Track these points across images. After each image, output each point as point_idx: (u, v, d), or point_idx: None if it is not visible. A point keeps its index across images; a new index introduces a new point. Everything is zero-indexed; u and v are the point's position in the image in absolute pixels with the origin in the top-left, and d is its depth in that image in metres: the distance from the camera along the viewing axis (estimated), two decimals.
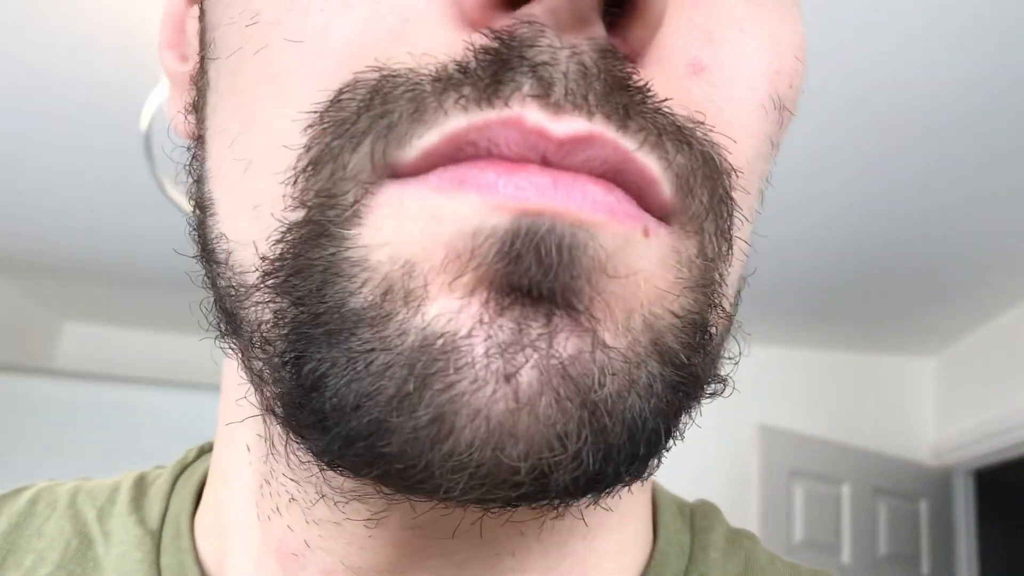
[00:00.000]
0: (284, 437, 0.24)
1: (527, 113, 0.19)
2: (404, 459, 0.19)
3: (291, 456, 0.24)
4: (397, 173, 0.19)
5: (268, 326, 0.21)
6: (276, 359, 0.20)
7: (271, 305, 0.20)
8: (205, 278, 0.25)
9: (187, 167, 0.27)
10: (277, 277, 0.20)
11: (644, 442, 0.20)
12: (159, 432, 2.28)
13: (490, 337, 0.18)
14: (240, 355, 0.23)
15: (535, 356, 0.19)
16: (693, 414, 0.22)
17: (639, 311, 0.20)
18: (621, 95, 0.19)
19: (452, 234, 0.19)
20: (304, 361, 0.20)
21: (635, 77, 0.20)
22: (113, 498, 0.34)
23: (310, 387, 0.20)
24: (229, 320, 0.23)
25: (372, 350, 0.19)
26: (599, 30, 0.19)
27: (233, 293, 0.22)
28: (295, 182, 0.20)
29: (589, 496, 0.21)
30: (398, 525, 0.24)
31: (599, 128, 0.19)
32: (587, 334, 0.19)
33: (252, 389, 0.23)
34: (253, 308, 0.21)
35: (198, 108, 0.26)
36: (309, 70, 0.21)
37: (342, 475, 0.22)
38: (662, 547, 0.30)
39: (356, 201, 0.19)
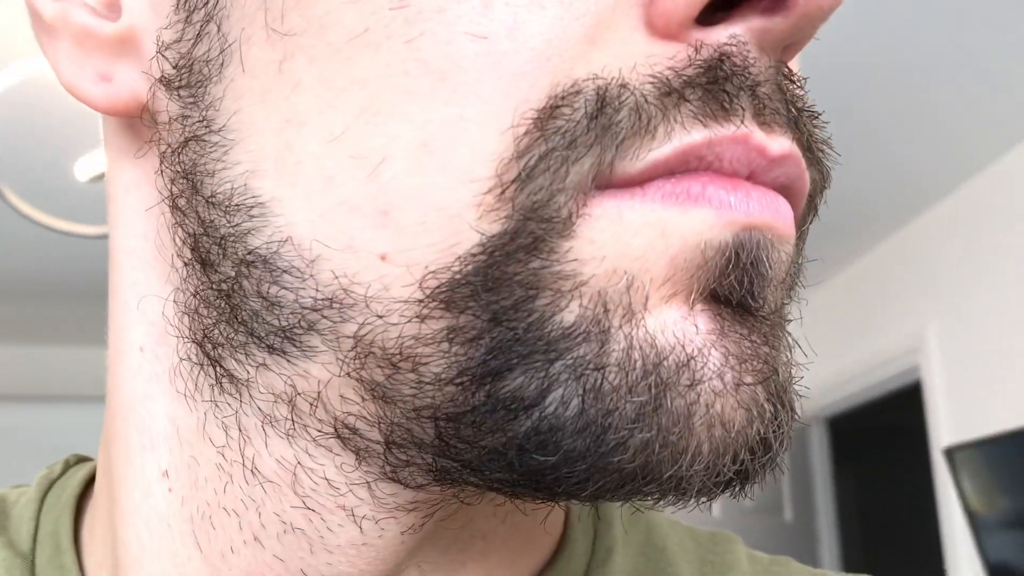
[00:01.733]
0: (354, 458, 0.22)
1: (753, 131, 0.19)
2: (639, 474, 0.19)
3: (340, 476, 0.22)
4: (612, 184, 0.19)
5: (427, 342, 0.19)
6: (443, 378, 0.19)
7: (438, 321, 0.19)
8: (208, 283, 0.22)
9: (165, 155, 0.23)
10: (459, 291, 0.19)
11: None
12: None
13: (722, 349, 0.19)
14: (280, 368, 0.21)
15: (758, 365, 0.20)
16: None
17: (782, 314, 0.22)
18: (800, 114, 0.21)
19: (679, 248, 0.19)
20: (502, 380, 0.19)
21: (807, 97, 0.21)
22: None
23: (510, 407, 0.19)
24: (280, 333, 0.21)
25: (600, 367, 0.18)
26: (779, 50, 0.20)
27: (319, 305, 0.20)
28: (502, 192, 0.19)
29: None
30: (433, 523, 0.24)
31: (795, 147, 0.20)
32: (779, 340, 0.21)
33: (273, 401, 0.22)
34: (377, 322, 0.19)
35: (193, 84, 0.22)
36: (498, 70, 0.19)
37: (473, 487, 0.21)
38: (573, 521, 0.30)
39: (571, 214, 0.19)
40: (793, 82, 0.21)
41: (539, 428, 0.19)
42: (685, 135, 0.19)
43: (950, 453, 1.85)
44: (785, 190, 0.21)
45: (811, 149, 0.21)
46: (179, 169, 0.23)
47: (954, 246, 2.54)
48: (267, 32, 0.21)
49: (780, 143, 0.20)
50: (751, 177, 0.20)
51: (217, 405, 0.23)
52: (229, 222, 0.21)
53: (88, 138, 1.54)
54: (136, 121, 0.25)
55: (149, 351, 0.25)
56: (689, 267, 0.19)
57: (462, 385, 0.19)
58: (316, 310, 0.20)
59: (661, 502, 0.20)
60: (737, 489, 0.21)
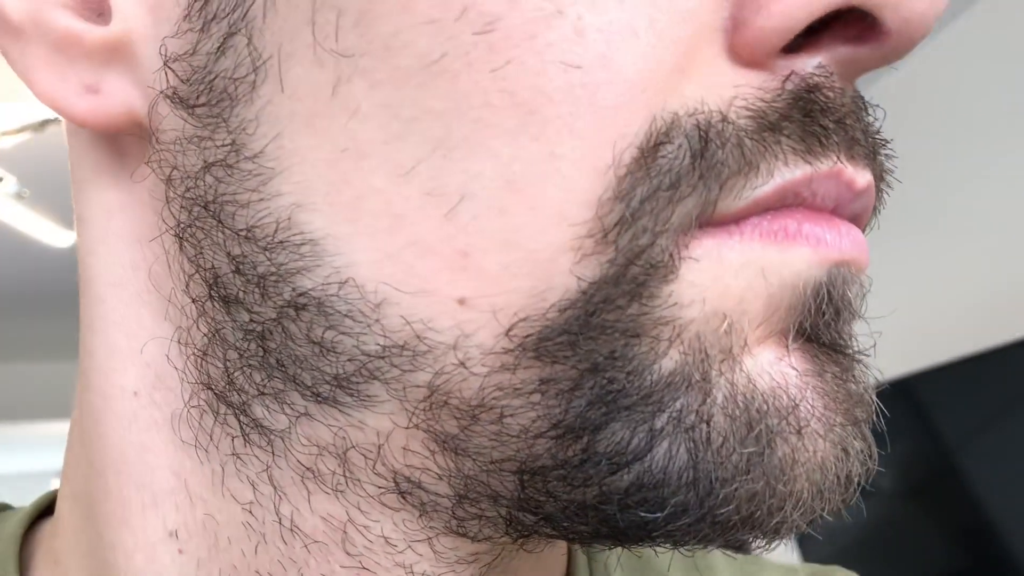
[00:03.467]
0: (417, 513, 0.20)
1: (844, 167, 0.19)
2: (741, 524, 0.18)
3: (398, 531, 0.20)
4: (711, 222, 0.18)
5: (514, 394, 0.18)
6: (531, 431, 0.18)
7: (527, 371, 0.18)
8: (233, 324, 0.20)
9: (173, 180, 0.20)
10: (554, 341, 0.17)
11: None
12: None
13: (820, 391, 0.18)
14: (329, 419, 0.20)
15: (851, 404, 0.19)
16: None
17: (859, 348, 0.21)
18: (876, 145, 0.20)
19: (776, 287, 0.18)
20: (601, 433, 0.18)
21: (878, 126, 0.21)
22: None
23: (610, 461, 0.18)
24: (334, 381, 0.19)
25: (706, 418, 0.17)
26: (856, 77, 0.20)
27: (386, 352, 0.18)
28: (604, 236, 0.17)
29: None
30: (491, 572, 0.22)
31: (873, 180, 0.20)
32: (865, 377, 0.20)
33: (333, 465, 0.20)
34: (455, 371, 0.18)
35: (214, 102, 0.20)
36: (593, 103, 0.17)
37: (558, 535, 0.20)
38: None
39: (673, 257, 0.17)
40: (868, 111, 0.20)
41: (643, 483, 0.18)
42: (787, 171, 0.18)
43: None
44: (857, 220, 0.20)
45: (882, 178, 0.21)
46: (194, 196, 0.20)
47: None
48: (314, 50, 0.19)
49: (864, 176, 0.19)
50: (835, 210, 0.19)
51: (240, 458, 0.21)
52: (270, 259, 0.19)
53: None
54: (123, 137, 0.22)
55: (145, 396, 0.22)
56: (785, 307, 0.18)
57: (555, 438, 0.18)
58: (382, 357, 0.18)
59: (747, 546, 0.20)
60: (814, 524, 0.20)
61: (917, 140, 1.85)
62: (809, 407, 0.18)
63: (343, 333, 0.18)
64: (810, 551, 1.92)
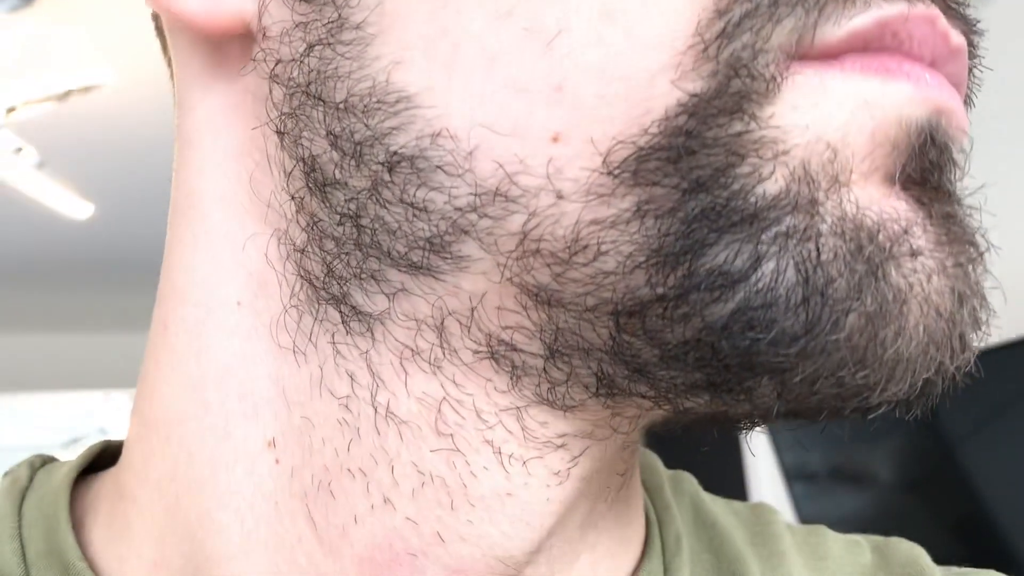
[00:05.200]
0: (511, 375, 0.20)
1: (939, 17, 0.19)
2: (851, 360, 0.18)
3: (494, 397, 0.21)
4: (809, 54, 0.18)
5: (610, 224, 0.18)
6: (629, 263, 0.18)
7: (624, 199, 0.18)
8: (329, 209, 0.20)
9: (276, 73, 0.21)
10: (654, 159, 0.18)
11: None
12: None
13: (932, 230, 0.18)
14: (425, 288, 0.20)
15: (964, 247, 0.19)
16: None
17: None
18: (966, 15, 0.20)
19: (879, 121, 0.18)
20: (703, 256, 0.17)
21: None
22: None
23: (713, 286, 0.17)
24: (427, 245, 0.19)
25: (813, 236, 0.17)
26: None
27: (476, 203, 0.19)
28: (704, 50, 0.18)
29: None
30: (576, 478, 0.22)
31: (966, 45, 0.20)
32: (975, 230, 0.20)
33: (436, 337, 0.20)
34: (548, 211, 0.18)
35: None
36: None
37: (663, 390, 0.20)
38: (652, 519, 0.29)
39: (774, 77, 0.18)
40: None
41: (749, 305, 0.17)
42: (884, 4, 0.18)
43: None
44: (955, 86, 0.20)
45: (973, 55, 0.21)
46: (296, 82, 0.21)
47: None
48: None
49: (957, 36, 0.19)
50: (932, 64, 0.19)
51: (339, 352, 0.21)
52: (367, 124, 0.19)
53: None
54: (226, 42, 0.23)
55: (247, 305, 0.22)
56: (889, 143, 0.18)
57: (655, 267, 0.18)
58: (473, 209, 0.19)
59: (858, 410, 0.19)
60: (927, 399, 0.20)
61: None
62: (920, 240, 0.18)
63: (434, 189, 0.19)
64: None
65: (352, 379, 0.21)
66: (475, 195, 0.19)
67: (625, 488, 0.25)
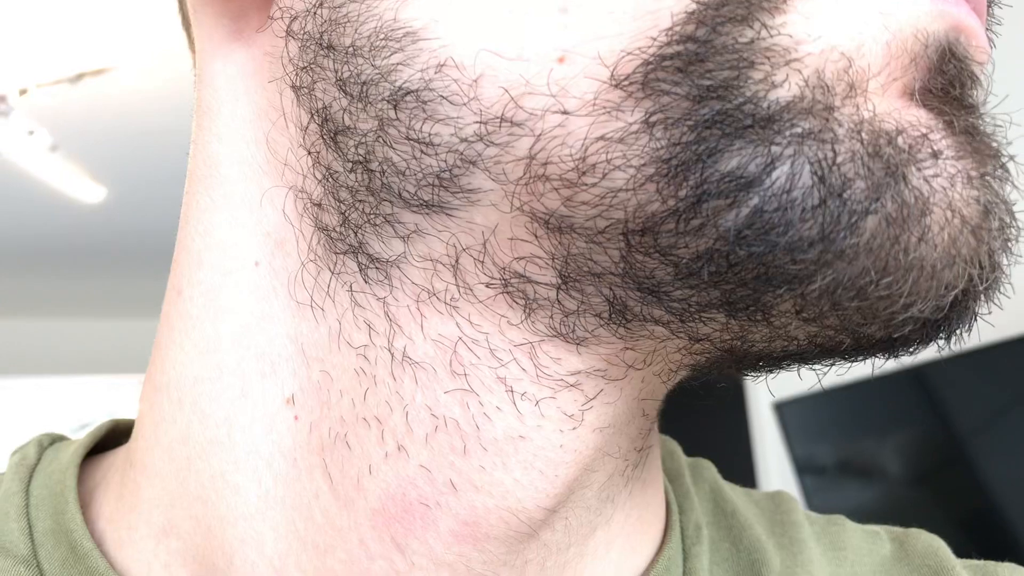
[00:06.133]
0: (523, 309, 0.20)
1: None
2: (872, 269, 0.17)
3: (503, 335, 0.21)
4: None
5: (618, 138, 0.18)
6: (639, 177, 0.18)
7: (632, 112, 0.17)
8: (342, 158, 0.21)
9: (291, 28, 0.21)
10: (663, 67, 0.17)
11: None
12: None
13: (954, 138, 0.18)
14: (438, 226, 0.20)
15: (988, 157, 0.18)
16: None
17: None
18: None
19: (894, 32, 0.18)
20: (715, 162, 0.17)
21: None
22: None
23: (726, 193, 0.17)
24: (436, 180, 0.19)
25: (829, 139, 0.17)
26: None
27: (483, 131, 0.19)
28: None
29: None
30: (590, 427, 0.22)
31: None
32: (999, 144, 0.19)
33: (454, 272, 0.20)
34: (554, 131, 0.18)
35: None
36: None
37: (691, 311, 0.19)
38: (673, 508, 0.29)
39: None
40: None
41: (763, 209, 0.17)
42: None
43: (779, 408, 1.94)
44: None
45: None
46: (309, 34, 0.21)
47: None
48: None
49: None
50: None
51: (357, 303, 0.21)
52: (374, 64, 0.20)
53: None
54: (247, 10, 0.23)
55: (265, 265, 0.23)
56: (906, 55, 0.18)
57: (665, 178, 0.17)
58: (479, 138, 0.19)
59: (885, 342, 0.19)
60: (956, 324, 0.19)
61: None
62: (941, 144, 0.18)
63: (440, 121, 0.19)
64: None
65: (370, 327, 0.21)
66: (481, 122, 0.19)
67: (643, 467, 0.25)
